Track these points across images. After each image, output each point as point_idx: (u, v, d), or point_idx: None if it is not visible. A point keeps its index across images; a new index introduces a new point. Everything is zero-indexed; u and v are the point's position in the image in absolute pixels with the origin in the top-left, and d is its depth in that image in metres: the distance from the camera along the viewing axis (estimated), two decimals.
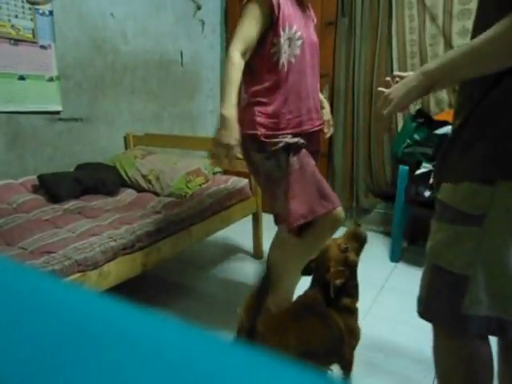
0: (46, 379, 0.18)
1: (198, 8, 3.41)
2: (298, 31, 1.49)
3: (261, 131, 1.51)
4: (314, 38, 1.63)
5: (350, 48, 3.11)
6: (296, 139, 1.54)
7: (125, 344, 0.20)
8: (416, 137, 2.65)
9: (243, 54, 1.44)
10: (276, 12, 1.43)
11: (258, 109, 1.52)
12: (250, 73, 1.52)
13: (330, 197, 1.59)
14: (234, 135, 1.40)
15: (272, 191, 1.62)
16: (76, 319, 0.22)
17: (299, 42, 1.50)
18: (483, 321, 0.88)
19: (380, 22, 2.94)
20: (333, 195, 1.61)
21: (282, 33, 1.45)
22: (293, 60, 1.49)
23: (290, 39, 1.47)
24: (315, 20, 1.73)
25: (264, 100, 1.52)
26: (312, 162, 1.61)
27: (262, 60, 1.50)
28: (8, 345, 0.19)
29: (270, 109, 1.51)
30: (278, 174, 1.56)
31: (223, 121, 1.41)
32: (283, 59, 1.48)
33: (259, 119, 1.51)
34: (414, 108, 2.89)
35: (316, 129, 1.66)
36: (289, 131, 1.54)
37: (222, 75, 1.47)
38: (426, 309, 0.99)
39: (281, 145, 1.52)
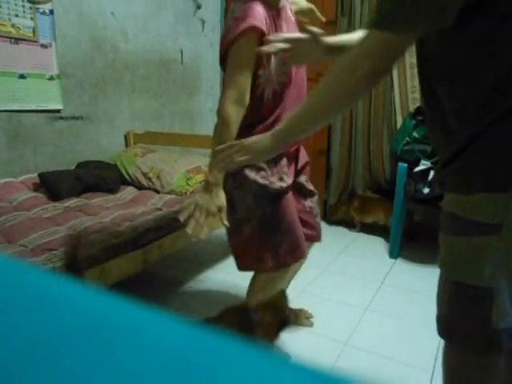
0: (47, 374, 0.18)
1: (198, 7, 3.41)
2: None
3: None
4: None
5: (350, 48, 3.10)
6: (278, 185, 1.45)
7: (126, 340, 0.20)
8: (415, 134, 2.66)
9: (241, 104, 1.32)
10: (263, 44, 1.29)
11: (241, 133, 1.37)
12: None
13: (301, 245, 1.55)
14: (216, 202, 1.28)
15: (241, 224, 1.50)
16: (77, 316, 0.22)
17: (285, 67, 1.38)
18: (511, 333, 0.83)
19: None
20: (303, 243, 1.57)
21: (266, 64, 1.35)
22: (278, 88, 1.39)
23: (275, 68, 1.36)
24: (293, 18, 1.55)
25: (252, 129, 1.40)
26: (293, 209, 1.53)
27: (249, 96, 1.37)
28: (9, 342, 0.20)
29: (252, 133, 1.35)
30: (250, 213, 1.46)
31: (207, 186, 1.30)
32: (267, 90, 1.38)
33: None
34: (413, 106, 2.90)
35: (297, 146, 1.57)
36: (271, 168, 1.45)
37: (214, 132, 1.36)
38: (449, 328, 0.92)
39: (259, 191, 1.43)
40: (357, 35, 1.17)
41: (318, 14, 1.66)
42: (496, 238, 0.79)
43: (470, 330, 0.86)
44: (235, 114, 1.32)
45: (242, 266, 1.59)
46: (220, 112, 1.35)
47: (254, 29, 1.26)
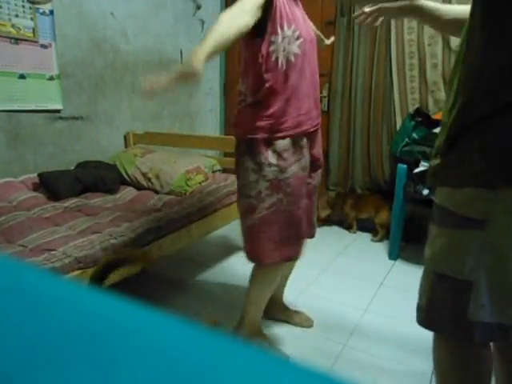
0: (46, 376, 0.18)
1: (198, 7, 3.42)
2: (297, 30, 1.45)
3: (261, 135, 1.46)
4: (312, 34, 1.58)
5: (349, 48, 3.11)
6: (294, 170, 1.49)
7: (125, 340, 0.20)
8: (414, 135, 2.66)
9: (238, 12, 1.30)
10: (274, 5, 1.37)
11: (258, 111, 1.47)
12: (249, 74, 1.49)
13: (302, 242, 1.60)
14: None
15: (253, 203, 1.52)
16: (76, 316, 0.22)
17: (299, 42, 1.46)
18: (486, 327, 0.86)
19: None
20: (303, 240, 1.62)
21: (279, 31, 1.41)
22: (292, 59, 1.45)
23: (288, 37, 1.43)
24: (309, 21, 1.67)
25: (264, 101, 1.46)
26: (303, 205, 1.56)
27: (261, 60, 1.45)
28: (8, 342, 0.20)
29: (270, 111, 1.46)
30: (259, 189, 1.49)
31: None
32: (282, 58, 1.43)
33: (259, 123, 1.46)
34: (412, 107, 2.90)
35: (315, 128, 1.60)
36: (289, 133, 1.48)
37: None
38: (427, 317, 0.96)
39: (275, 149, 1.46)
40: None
41: (325, 40, 1.82)
42: (480, 233, 0.82)
43: (448, 320, 0.90)
44: (228, 14, 1.29)
45: (249, 254, 1.61)
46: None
47: None
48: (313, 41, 1.56)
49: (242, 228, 1.60)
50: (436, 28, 1.33)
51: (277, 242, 1.53)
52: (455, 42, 2.65)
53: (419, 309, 0.98)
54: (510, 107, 0.78)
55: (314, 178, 1.69)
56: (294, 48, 1.44)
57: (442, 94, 2.78)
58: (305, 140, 1.54)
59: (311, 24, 1.68)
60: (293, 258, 1.60)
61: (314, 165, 1.66)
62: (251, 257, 1.61)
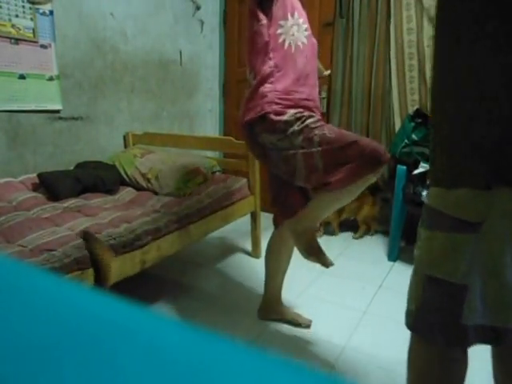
0: (45, 376, 0.18)
1: (198, 8, 3.42)
2: (305, 24, 1.53)
3: (272, 108, 1.47)
4: (313, 39, 1.63)
5: (348, 49, 3.11)
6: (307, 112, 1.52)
7: (124, 341, 0.20)
8: (414, 137, 2.66)
9: None
10: None
11: (268, 85, 1.49)
12: (257, 53, 1.52)
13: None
14: None
15: (306, 163, 1.49)
16: (75, 317, 0.22)
17: (306, 33, 1.53)
18: (479, 329, 0.84)
19: (378, 22, 2.95)
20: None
21: (290, 17, 1.48)
22: (300, 45, 1.51)
23: (298, 25, 1.50)
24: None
25: (274, 76, 1.49)
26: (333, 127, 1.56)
27: (269, 39, 1.49)
28: (7, 343, 0.20)
29: (280, 85, 1.48)
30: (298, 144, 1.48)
31: None
32: (290, 40, 1.49)
33: (270, 95, 1.47)
34: (412, 108, 2.90)
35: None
36: (300, 109, 1.50)
37: None
38: (418, 322, 0.92)
39: (292, 117, 1.47)
40: None
41: (323, 70, 1.94)
42: (475, 236, 0.79)
43: (441, 325, 0.87)
44: None
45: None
46: None
47: None
48: (314, 44, 1.61)
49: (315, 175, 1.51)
50: None
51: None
52: None
53: (409, 313, 0.94)
54: (495, 103, 0.76)
55: None
56: (302, 37, 1.52)
57: None
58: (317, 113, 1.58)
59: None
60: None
61: None
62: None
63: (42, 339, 0.20)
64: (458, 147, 0.82)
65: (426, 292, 0.89)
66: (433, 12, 2.72)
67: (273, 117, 1.47)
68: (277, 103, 1.47)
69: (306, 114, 1.49)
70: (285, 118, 1.47)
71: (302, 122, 1.47)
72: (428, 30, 2.76)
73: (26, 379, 0.18)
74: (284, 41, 1.49)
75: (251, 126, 1.54)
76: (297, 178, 1.53)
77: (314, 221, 1.63)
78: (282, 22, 1.48)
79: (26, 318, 0.22)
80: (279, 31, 1.49)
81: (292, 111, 1.48)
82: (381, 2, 2.90)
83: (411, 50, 2.86)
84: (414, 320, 0.93)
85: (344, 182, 1.43)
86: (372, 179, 1.49)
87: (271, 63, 1.49)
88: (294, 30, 1.49)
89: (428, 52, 2.79)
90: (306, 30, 1.53)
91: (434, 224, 0.87)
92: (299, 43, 1.51)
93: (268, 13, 1.48)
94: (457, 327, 0.84)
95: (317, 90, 1.63)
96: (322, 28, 3.17)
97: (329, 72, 1.99)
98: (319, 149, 1.43)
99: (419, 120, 2.70)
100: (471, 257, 0.81)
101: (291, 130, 1.46)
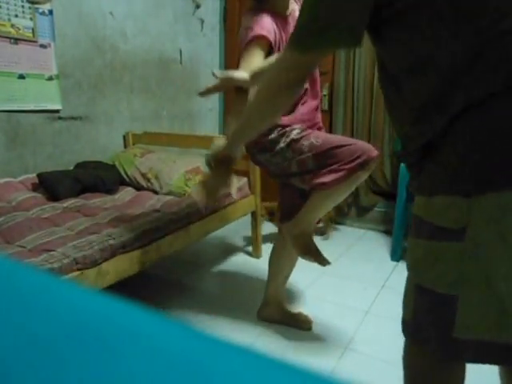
0: (44, 377, 0.18)
1: (198, 7, 3.41)
2: None
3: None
4: None
5: None
6: (297, 132, 1.58)
7: (124, 342, 0.20)
8: None
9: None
10: (275, 48, 1.48)
11: None
12: None
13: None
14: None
15: (298, 166, 1.59)
16: (74, 318, 0.22)
17: None
18: (482, 346, 0.78)
19: None
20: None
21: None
22: None
23: None
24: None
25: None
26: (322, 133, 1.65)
27: None
28: (6, 343, 0.20)
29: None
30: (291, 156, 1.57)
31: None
32: None
33: None
34: None
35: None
36: (280, 127, 1.57)
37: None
38: (413, 332, 0.89)
39: (282, 144, 1.56)
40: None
41: None
42: (460, 245, 0.76)
43: (432, 336, 0.84)
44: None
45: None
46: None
47: (262, 37, 1.43)
48: None
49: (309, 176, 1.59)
50: None
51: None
52: None
53: (404, 323, 0.91)
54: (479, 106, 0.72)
55: None
56: None
57: None
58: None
59: None
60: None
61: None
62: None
63: (41, 340, 0.20)
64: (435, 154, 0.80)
65: (416, 302, 0.87)
66: None
67: (258, 139, 1.53)
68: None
69: (288, 128, 1.57)
70: (269, 137, 1.56)
71: (287, 137, 1.56)
72: None
73: (25, 379, 0.18)
74: None
75: (247, 148, 1.65)
76: (293, 180, 1.63)
77: (310, 222, 1.67)
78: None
79: (25, 319, 0.22)
80: None
81: (275, 130, 1.56)
82: None
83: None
84: (409, 330, 0.90)
85: (336, 181, 1.50)
86: (363, 176, 1.55)
87: None
88: None
89: None
90: None
91: (417, 232, 0.85)
92: None
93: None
94: (450, 340, 0.79)
95: (317, 102, 1.70)
96: None
97: None
98: (309, 154, 1.53)
99: None
100: (458, 266, 0.77)
101: (278, 147, 1.57)
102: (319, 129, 1.72)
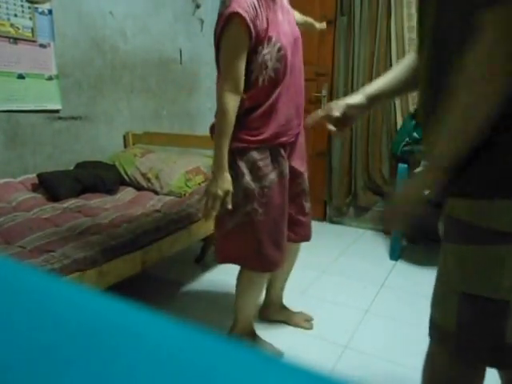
0: (45, 377, 0.18)
1: (197, 6, 3.41)
2: (278, 42, 1.37)
3: (235, 145, 1.42)
4: (296, 32, 1.49)
5: (349, 47, 3.11)
6: (269, 180, 1.46)
7: (124, 342, 0.20)
8: (415, 135, 2.65)
9: (236, 91, 1.35)
10: (253, 34, 1.31)
11: (235, 124, 1.40)
12: None
13: (272, 256, 1.53)
14: (222, 186, 1.36)
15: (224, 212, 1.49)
16: (75, 318, 0.22)
17: (279, 54, 1.38)
18: None
19: (379, 20, 2.94)
20: (280, 254, 1.55)
21: (260, 49, 1.35)
22: (272, 75, 1.39)
23: (270, 53, 1.36)
24: (291, 11, 1.56)
25: (242, 117, 1.41)
26: (281, 216, 1.53)
27: None
28: (7, 343, 0.20)
29: (247, 125, 1.43)
30: (238, 199, 1.45)
31: (213, 172, 1.40)
32: (263, 76, 1.38)
33: (235, 134, 1.41)
34: (413, 107, 2.90)
35: (294, 139, 1.56)
36: (265, 144, 1.45)
37: (216, 121, 1.38)
38: (460, 344, 0.84)
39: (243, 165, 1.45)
40: (395, 71, 1.09)
41: (316, 24, 1.77)
42: None
43: (484, 345, 0.81)
44: (232, 102, 1.35)
45: (220, 257, 1.60)
46: (218, 102, 1.38)
47: (237, 14, 1.28)
48: (295, 41, 1.47)
49: (218, 232, 1.57)
50: (398, 96, 1.20)
51: (255, 251, 1.51)
52: None
53: (449, 337, 0.86)
54: None
55: (301, 182, 1.66)
56: (275, 63, 1.38)
57: None
58: (281, 150, 1.50)
59: (296, 15, 1.61)
60: (272, 268, 1.57)
61: (295, 176, 1.61)
62: (225, 259, 1.60)
63: (42, 340, 0.20)
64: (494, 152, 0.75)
65: (462, 311, 0.82)
66: None
67: (233, 155, 1.46)
68: (241, 141, 1.46)
69: (265, 165, 1.47)
70: (242, 164, 1.47)
71: (252, 180, 1.47)
72: None
73: (27, 379, 0.18)
74: (257, 78, 1.38)
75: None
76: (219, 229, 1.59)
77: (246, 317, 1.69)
78: (253, 57, 1.36)
79: (25, 319, 0.22)
80: (252, 67, 1.37)
81: (247, 164, 1.46)
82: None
83: (412, 47, 2.85)
84: (455, 344, 0.85)
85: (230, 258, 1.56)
86: (258, 279, 1.60)
87: (243, 106, 1.40)
88: (267, 59, 1.36)
89: None
90: (278, 50, 1.37)
91: (464, 238, 0.81)
92: (271, 73, 1.38)
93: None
94: (502, 348, 0.78)
95: (298, 99, 1.53)
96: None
97: (322, 26, 1.80)
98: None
99: None
100: None
101: (240, 179, 1.47)
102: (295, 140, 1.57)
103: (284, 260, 1.59)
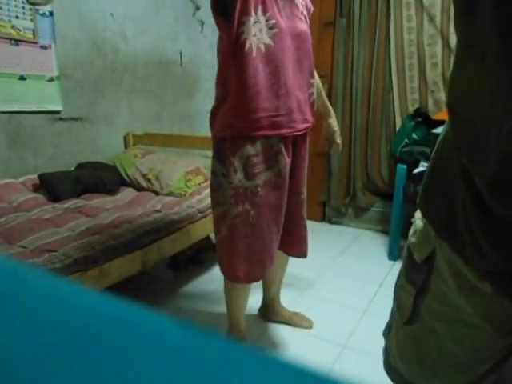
0: (46, 377, 0.18)
1: (198, 8, 3.42)
2: (273, 19, 1.27)
3: (229, 133, 1.34)
4: (303, 27, 1.39)
5: (348, 48, 3.12)
6: (262, 180, 1.37)
7: (125, 342, 0.20)
8: (414, 136, 2.66)
9: None
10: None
11: (227, 104, 1.34)
12: (220, 68, 1.38)
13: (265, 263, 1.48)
14: None
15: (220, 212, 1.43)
16: (75, 318, 0.22)
17: (273, 31, 1.28)
18: None
19: (378, 22, 2.95)
20: (270, 262, 1.49)
21: (252, 12, 1.25)
22: (262, 48, 1.28)
23: (260, 24, 1.27)
24: (311, 8, 1.50)
25: (233, 92, 1.32)
26: (275, 206, 1.43)
27: (229, 41, 1.29)
28: (7, 344, 0.19)
29: (239, 103, 1.31)
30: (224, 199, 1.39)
31: None
32: (251, 42, 1.27)
33: (229, 118, 1.34)
34: (412, 107, 2.91)
35: (299, 133, 1.44)
36: (262, 132, 1.34)
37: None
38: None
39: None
40: None
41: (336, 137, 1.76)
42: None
43: None
44: None
45: (223, 271, 1.54)
46: None
47: None
48: (300, 35, 1.38)
49: (215, 238, 1.53)
50: None
51: (244, 259, 1.43)
52: (455, 41, 2.65)
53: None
54: None
55: (302, 192, 1.58)
56: (265, 38, 1.28)
57: (441, 94, 2.79)
58: (281, 146, 1.39)
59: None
60: (256, 279, 1.50)
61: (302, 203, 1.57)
62: (222, 271, 1.55)
63: (43, 340, 0.20)
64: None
65: None
66: (433, 11, 2.72)
67: (226, 148, 1.41)
68: (235, 128, 1.39)
69: (260, 162, 1.38)
70: (235, 159, 1.40)
71: (245, 178, 1.39)
72: (428, 29, 2.76)
73: (28, 380, 0.18)
74: (245, 41, 1.27)
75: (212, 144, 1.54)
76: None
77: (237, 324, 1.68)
78: (244, 19, 1.26)
79: (26, 320, 0.21)
80: (241, 29, 1.27)
81: (240, 159, 1.38)
82: (381, 1, 2.90)
83: (411, 49, 2.86)
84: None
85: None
86: (241, 286, 1.55)
87: (231, 75, 1.33)
88: (257, 29, 1.27)
89: (428, 51, 2.79)
90: (271, 27, 1.28)
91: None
92: (261, 45, 1.28)
93: (231, 11, 1.27)
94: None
95: (300, 94, 1.41)
96: (322, 27, 3.17)
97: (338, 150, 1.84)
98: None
99: (419, 119, 2.71)
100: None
101: (232, 176, 1.39)
102: (301, 140, 1.50)
103: (269, 271, 1.52)
